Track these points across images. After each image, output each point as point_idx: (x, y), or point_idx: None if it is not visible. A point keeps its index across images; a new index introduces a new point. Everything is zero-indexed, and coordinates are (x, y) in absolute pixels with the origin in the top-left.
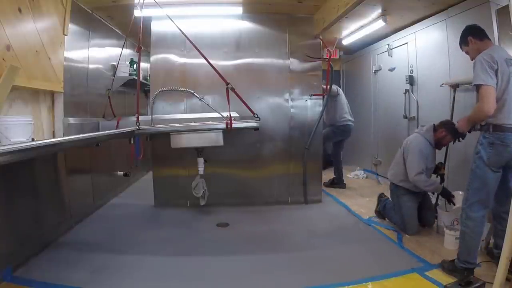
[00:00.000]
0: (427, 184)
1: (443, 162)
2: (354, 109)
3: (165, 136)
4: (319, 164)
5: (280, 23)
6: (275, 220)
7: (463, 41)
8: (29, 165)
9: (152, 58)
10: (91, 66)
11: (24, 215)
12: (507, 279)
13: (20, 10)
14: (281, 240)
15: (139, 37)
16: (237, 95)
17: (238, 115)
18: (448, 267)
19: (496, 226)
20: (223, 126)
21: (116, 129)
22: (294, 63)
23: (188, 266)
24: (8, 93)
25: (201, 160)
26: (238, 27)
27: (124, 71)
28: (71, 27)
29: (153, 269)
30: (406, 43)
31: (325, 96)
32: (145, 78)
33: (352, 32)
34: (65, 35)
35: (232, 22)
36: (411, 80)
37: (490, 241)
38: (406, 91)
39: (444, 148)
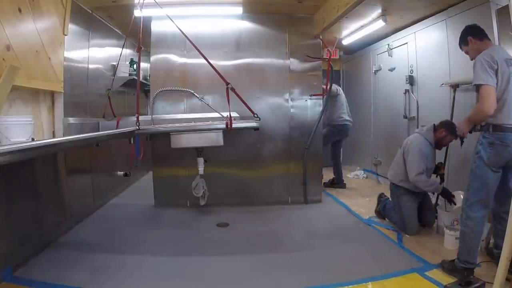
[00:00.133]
0: (428, 184)
1: (443, 162)
2: (354, 109)
3: (165, 136)
4: (319, 164)
5: (280, 23)
6: (275, 220)
7: (463, 41)
8: (29, 165)
9: (152, 58)
10: (91, 66)
11: (24, 215)
12: (507, 279)
13: (20, 10)
14: (281, 240)
15: (139, 37)
16: (237, 95)
17: (238, 115)
18: (448, 267)
19: (496, 226)
20: (223, 126)
21: (116, 129)
22: (294, 63)
23: (188, 266)
24: (8, 93)
25: (201, 160)
26: (238, 27)
27: (124, 71)
28: (71, 27)
29: (153, 269)
30: (406, 43)
31: (325, 96)
32: (145, 78)
33: (352, 32)
34: (65, 35)
35: (232, 22)
36: (411, 80)
37: (490, 241)
38: (406, 91)
39: (444, 148)
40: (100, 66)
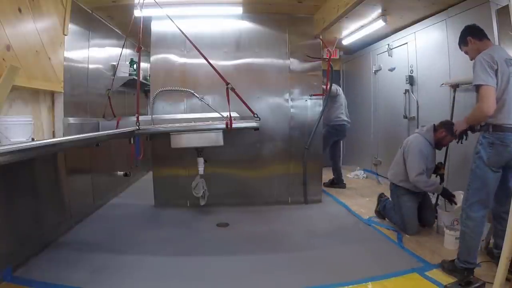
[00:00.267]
0: (428, 184)
1: (443, 162)
2: (354, 109)
3: (165, 136)
4: (319, 164)
5: (280, 23)
6: (275, 220)
7: (463, 41)
8: (29, 165)
9: (152, 58)
10: (91, 66)
11: (24, 215)
12: (507, 279)
13: (20, 10)
14: (281, 240)
15: (139, 37)
16: (237, 95)
17: (238, 115)
18: (448, 267)
19: (496, 226)
20: (223, 126)
21: (116, 129)
22: (294, 63)
23: (188, 266)
24: (8, 93)
25: (201, 160)
26: (238, 27)
27: (124, 71)
28: (71, 27)
29: (153, 269)
30: (406, 43)
31: (325, 96)
32: (145, 78)
33: (352, 32)
34: (65, 35)
35: (232, 22)
36: (411, 80)
37: (490, 241)
38: (406, 91)
39: (444, 148)
40: (100, 66)
